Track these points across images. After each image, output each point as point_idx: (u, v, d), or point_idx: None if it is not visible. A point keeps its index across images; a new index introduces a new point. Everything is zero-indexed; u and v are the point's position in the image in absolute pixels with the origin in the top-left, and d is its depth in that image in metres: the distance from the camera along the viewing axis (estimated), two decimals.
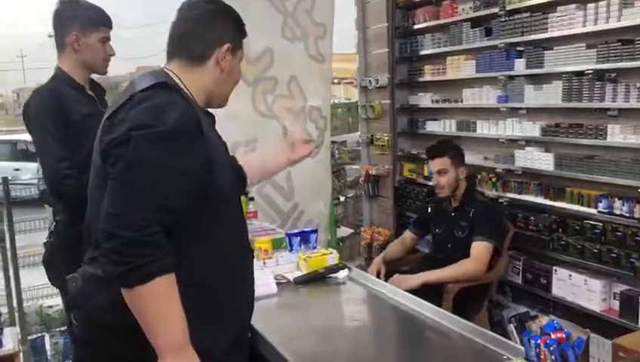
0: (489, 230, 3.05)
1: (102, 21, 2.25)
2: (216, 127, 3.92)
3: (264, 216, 3.84)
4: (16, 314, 3.45)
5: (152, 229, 1.28)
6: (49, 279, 2.42)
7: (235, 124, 3.79)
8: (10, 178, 3.46)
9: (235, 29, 1.59)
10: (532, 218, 3.38)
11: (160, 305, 1.30)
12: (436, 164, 3.17)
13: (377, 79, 4.53)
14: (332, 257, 2.37)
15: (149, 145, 1.32)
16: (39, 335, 3.52)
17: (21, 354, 2.97)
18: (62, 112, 2.11)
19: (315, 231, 2.60)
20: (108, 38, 2.27)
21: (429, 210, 3.47)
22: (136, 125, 1.34)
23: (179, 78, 1.50)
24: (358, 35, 4.73)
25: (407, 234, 3.54)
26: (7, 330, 3.08)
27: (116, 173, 1.33)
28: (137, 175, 1.31)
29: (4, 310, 3.37)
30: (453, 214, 3.22)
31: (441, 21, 4.03)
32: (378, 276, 3.26)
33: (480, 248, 3.00)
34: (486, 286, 3.22)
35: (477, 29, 3.73)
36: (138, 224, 1.27)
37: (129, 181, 1.31)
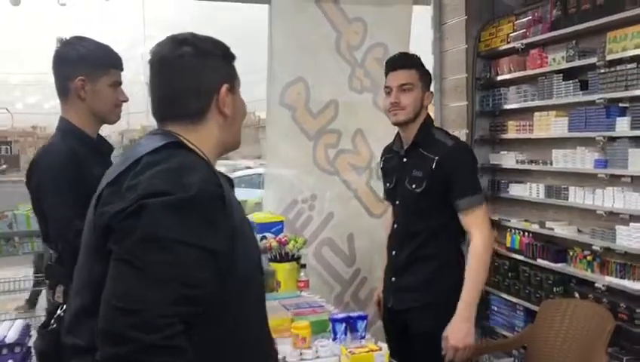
0: (471, 182, 2.36)
1: (112, 62, 1.98)
2: (273, 182, 3.70)
3: (320, 284, 3.51)
4: None
5: (174, 330, 1.01)
6: None
7: (293, 180, 3.59)
8: None
9: (225, 63, 1.33)
10: (638, 310, 2.81)
11: None
12: (400, 77, 2.40)
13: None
14: (381, 355, 1.95)
15: (168, 217, 1.06)
16: None
17: None
18: (80, 178, 1.82)
19: (365, 318, 2.19)
20: (119, 82, 2.00)
21: (382, 165, 2.72)
22: (151, 192, 1.08)
23: (185, 139, 1.25)
24: (433, 86, 4.37)
25: (390, 209, 2.72)
26: None
27: (125, 253, 1.06)
28: (154, 256, 1.04)
29: None
30: (405, 160, 2.47)
31: (529, 72, 3.61)
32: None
33: (475, 215, 2.29)
34: None
35: (570, 81, 3.30)
36: (157, 323, 1.00)
37: (143, 264, 1.03)
